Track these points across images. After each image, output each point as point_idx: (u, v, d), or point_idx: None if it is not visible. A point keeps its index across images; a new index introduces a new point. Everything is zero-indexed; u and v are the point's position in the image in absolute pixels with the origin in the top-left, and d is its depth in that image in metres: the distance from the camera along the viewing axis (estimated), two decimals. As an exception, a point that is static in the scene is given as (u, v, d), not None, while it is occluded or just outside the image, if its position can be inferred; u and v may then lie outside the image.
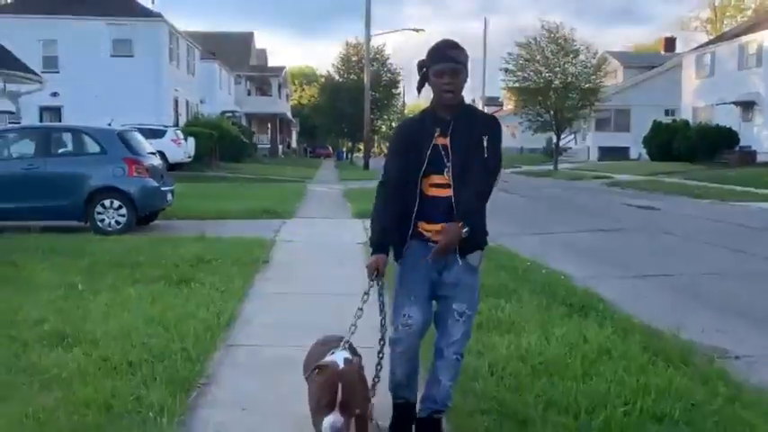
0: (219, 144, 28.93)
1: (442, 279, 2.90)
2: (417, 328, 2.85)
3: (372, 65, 39.84)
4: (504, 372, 3.90)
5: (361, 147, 44.76)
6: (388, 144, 3.31)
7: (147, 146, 11.03)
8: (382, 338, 2.94)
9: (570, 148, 43.75)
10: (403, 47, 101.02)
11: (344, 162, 51.25)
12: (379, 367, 2.92)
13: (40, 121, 26.28)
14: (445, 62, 2.82)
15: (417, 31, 38.79)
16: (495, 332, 4.67)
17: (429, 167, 2.84)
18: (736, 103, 31.56)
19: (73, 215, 9.87)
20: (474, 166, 2.84)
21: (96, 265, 6.88)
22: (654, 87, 40.66)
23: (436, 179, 2.86)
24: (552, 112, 33.51)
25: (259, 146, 44.80)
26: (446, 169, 2.84)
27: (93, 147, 10.20)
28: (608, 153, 40.32)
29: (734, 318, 5.77)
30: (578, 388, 3.61)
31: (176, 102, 32.05)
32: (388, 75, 47.16)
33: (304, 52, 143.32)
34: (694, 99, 36.10)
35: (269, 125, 53.50)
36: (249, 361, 4.18)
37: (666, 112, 38.30)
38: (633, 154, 39.30)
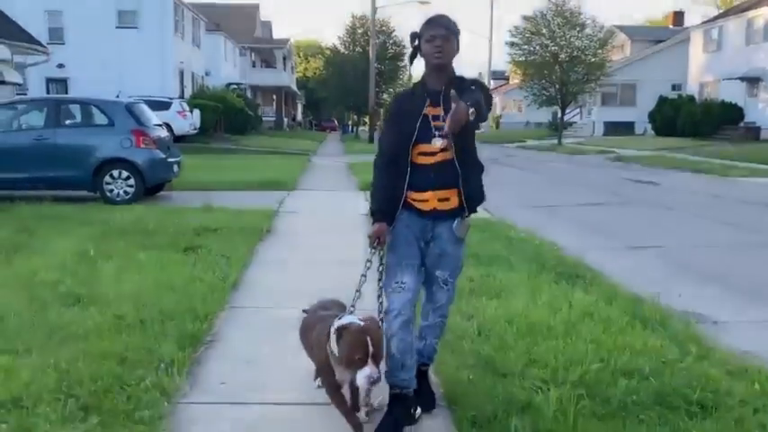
0: (224, 116, 29.09)
1: (429, 249, 3.03)
2: (410, 293, 2.93)
3: (378, 37, 39.73)
4: (490, 332, 4.17)
5: (367, 120, 44.78)
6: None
7: (154, 118, 11.25)
8: (381, 305, 2.99)
9: (575, 122, 43.72)
10: (409, 19, 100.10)
11: (350, 135, 51.31)
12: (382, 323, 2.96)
13: (47, 92, 26.50)
14: (438, 27, 2.96)
15: (423, 3, 38.52)
16: (485, 297, 4.93)
17: (418, 137, 2.94)
18: (742, 79, 31.41)
19: (83, 185, 10.15)
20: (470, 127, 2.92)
21: (107, 233, 7.17)
22: (661, 62, 40.37)
23: (423, 148, 2.95)
24: (557, 87, 33.46)
25: (264, 118, 44.88)
26: (434, 138, 2.93)
27: (101, 118, 10.43)
28: (613, 128, 40.24)
29: (716, 286, 6.01)
30: (558, 347, 3.88)
31: (182, 74, 32.11)
32: (394, 47, 46.96)
33: (309, 24, 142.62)
34: (701, 74, 35.91)
35: (274, 98, 53.46)
36: (252, 321, 4.46)
37: (673, 87, 38.13)
38: (638, 129, 39.22)
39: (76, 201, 9.80)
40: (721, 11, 42.97)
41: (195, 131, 24.59)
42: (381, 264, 3.00)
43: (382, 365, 2.79)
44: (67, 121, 10.65)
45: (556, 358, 3.69)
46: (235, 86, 40.08)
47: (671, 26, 49.27)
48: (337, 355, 2.68)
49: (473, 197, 3.03)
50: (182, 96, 28.76)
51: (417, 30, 3.04)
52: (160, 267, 5.56)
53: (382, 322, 2.92)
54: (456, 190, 2.98)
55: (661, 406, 3.19)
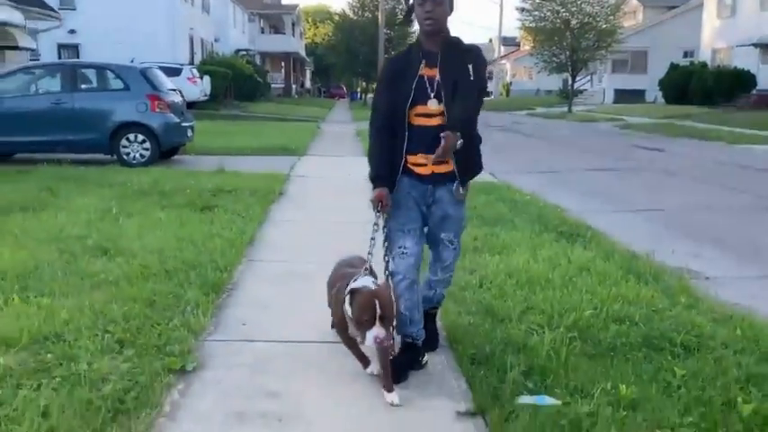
0: (234, 83, 29.17)
1: (431, 212, 3.12)
2: (413, 258, 3.07)
3: (387, 2, 39.38)
4: (491, 284, 4.43)
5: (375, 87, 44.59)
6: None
7: (168, 83, 11.46)
8: (387, 266, 3.08)
9: (586, 90, 43.41)
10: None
11: (358, 102, 51.19)
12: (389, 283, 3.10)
13: (59, 58, 26.62)
14: None
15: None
16: (487, 254, 5.19)
17: (414, 98, 2.97)
18: (755, 45, 31.03)
19: (100, 148, 10.43)
20: (464, 91, 2.97)
21: (126, 193, 7.46)
22: (673, 28, 39.94)
23: (420, 109, 2.98)
24: (568, 53, 33.24)
25: (273, 85, 44.83)
26: (429, 99, 2.97)
27: (117, 83, 10.66)
28: (624, 95, 40.05)
29: (712, 245, 6.24)
30: (555, 297, 4.14)
31: (191, 40, 32.12)
32: (403, 13, 46.57)
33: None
34: (714, 40, 35.47)
35: (282, 64, 53.29)
36: (267, 272, 4.75)
37: (685, 54, 37.78)
38: (649, 97, 39.00)
39: (94, 163, 10.10)
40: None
41: (206, 98, 24.74)
42: (386, 226, 3.10)
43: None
44: (84, 86, 10.88)
45: (552, 306, 3.95)
46: (244, 53, 40.05)
47: (685, -9, 48.42)
48: (350, 315, 2.88)
49: (469, 167, 3.11)
50: (191, 63, 28.83)
51: None
52: (179, 225, 5.85)
53: (387, 278, 3.04)
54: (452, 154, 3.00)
55: (647, 347, 3.46)
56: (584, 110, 34.61)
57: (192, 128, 11.54)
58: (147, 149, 10.41)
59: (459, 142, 2.91)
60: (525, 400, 2.86)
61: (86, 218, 6.02)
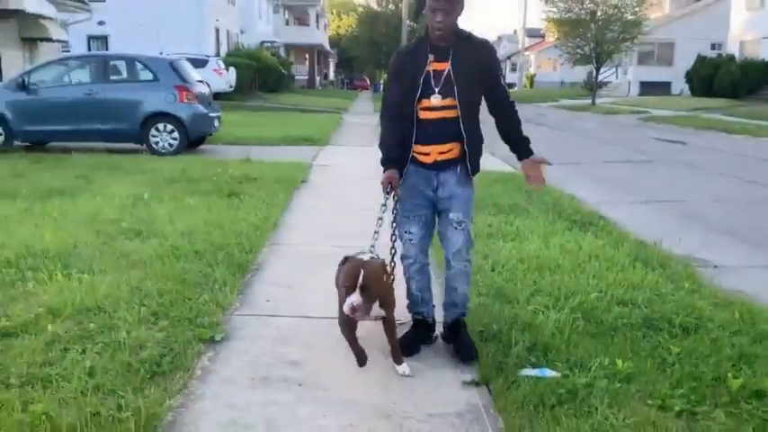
0: (259, 74, 29.55)
1: (438, 195, 3.22)
2: (418, 242, 3.25)
3: (411, -5, 39.35)
4: (503, 269, 4.64)
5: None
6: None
7: (195, 74, 11.79)
8: (393, 247, 3.25)
9: (610, 82, 43.04)
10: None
11: (380, 94, 51.33)
12: (392, 264, 3.18)
13: (88, 49, 27.22)
14: (439, 0, 3.01)
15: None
16: (501, 240, 5.40)
17: (422, 92, 3.09)
18: (785, 38, 30.65)
19: (130, 137, 10.81)
20: (496, 96, 3.21)
21: (156, 180, 7.79)
22: (701, 20, 39.36)
23: (426, 103, 3.11)
24: (592, 45, 33.04)
25: (297, 77, 45.19)
26: (433, 94, 3.09)
27: (146, 74, 11.01)
28: (649, 88, 39.63)
29: (724, 236, 6.36)
30: (563, 281, 4.34)
31: (217, 32, 32.51)
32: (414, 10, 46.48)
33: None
34: (742, 32, 34.94)
35: (306, 56, 53.60)
36: (291, 255, 5.01)
37: (713, 47, 37.28)
38: (675, 89, 38.58)
39: (126, 152, 10.47)
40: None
41: (231, 89, 25.13)
42: (395, 208, 3.24)
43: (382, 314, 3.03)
44: (115, 77, 11.25)
45: (559, 289, 4.16)
46: (269, 44, 40.40)
47: (714, -18, 47.63)
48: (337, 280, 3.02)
49: (475, 151, 3.22)
50: (217, 54, 29.24)
51: None
52: (207, 210, 6.15)
53: (393, 257, 3.20)
54: (458, 143, 3.16)
55: (647, 328, 3.65)
56: (609, 102, 34.37)
57: (218, 118, 11.87)
58: (175, 139, 10.76)
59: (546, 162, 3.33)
60: (527, 372, 3.08)
61: (120, 203, 6.35)
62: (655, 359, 3.23)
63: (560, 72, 54.87)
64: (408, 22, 36.83)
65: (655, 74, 40.56)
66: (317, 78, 54.79)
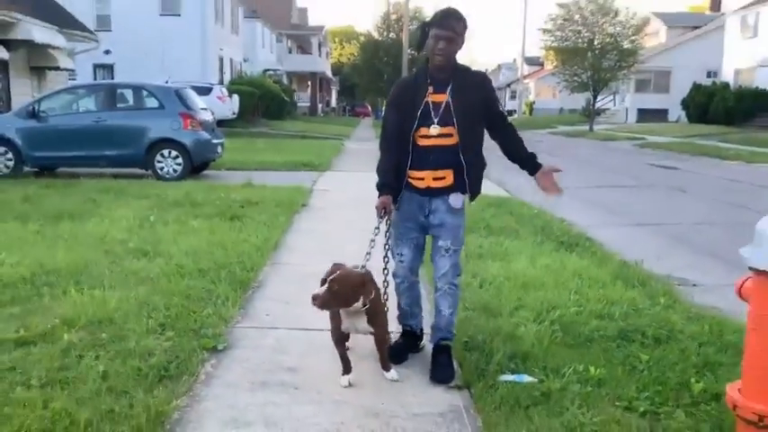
0: (261, 102, 30.11)
1: (429, 221, 3.40)
2: (408, 263, 3.46)
3: (411, 24, 40.14)
4: (490, 286, 4.90)
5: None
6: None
7: (200, 102, 12.18)
8: (386, 268, 3.49)
9: (608, 109, 43.66)
10: (442, 5, 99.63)
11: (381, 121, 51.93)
12: (385, 284, 3.47)
13: (94, 78, 27.80)
14: (443, 29, 3.19)
15: (457, -10, 38.85)
16: (490, 260, 5.67)
17: (420, 121, 3.26)
18: (778, 66, 31.21)
19: (136, 163, 11.17)
20: (497, 124, 3.41)
21: (161, 204, 8.09)
22: (697, 48, 40.10)
23: (423, 131, 3.29)
24: (590, 73, 33.64)
25: (299, 104, 45.88)
26: (432, 124, 3.26)
27: (152, 102, 11.40)
28: (646, 115, 40.20)
29: (707, 258, 6.62)
30: (546, 296, 4.60)
31: (221, 60, 33.18)
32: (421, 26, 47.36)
33: (345, 11, 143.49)
34: (737, 60, 35.59)
35: (309, 83, 54.42)
36: (291, 274, 5.28)
37: (708, 74, 37.89)
38: (672, 116, 39.11)
39: (131, 177, 10.80)
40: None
41: (234, 116, 25.62)
42: (388, 231, 3.46)
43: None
44: (122, 105, 11.64)
45: (541, 304, 4.41)
46: (271, 72, 41.11)
47: (708, 12, 48.62)
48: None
49: (469, 181, 3.37)
50: (221, 82, 29.83)
51: (428, 21, 3.33)
52: (211, 231, 6.44)
53: (386, 276, 3.47)
54: (451, 170, 3.32)
55: (621, 339, 3.90)
56: (606, 129, 34.90)
57: (221, 145, 12.23)
58: (179, 164, 11.10)
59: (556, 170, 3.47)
60: (506, 377, 3.33)
61: (127, 225, 6.64)
62: (625, 366, 3.47)
63: (559, 99, 55.54)
64: (409, 50, 37.53)
65: (652, 101, 41.17)
66: (320, 105, 55.53)
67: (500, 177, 10.36)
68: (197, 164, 11.56)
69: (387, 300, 3.55)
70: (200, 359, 3.41)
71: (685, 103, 34.57)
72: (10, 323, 3.75)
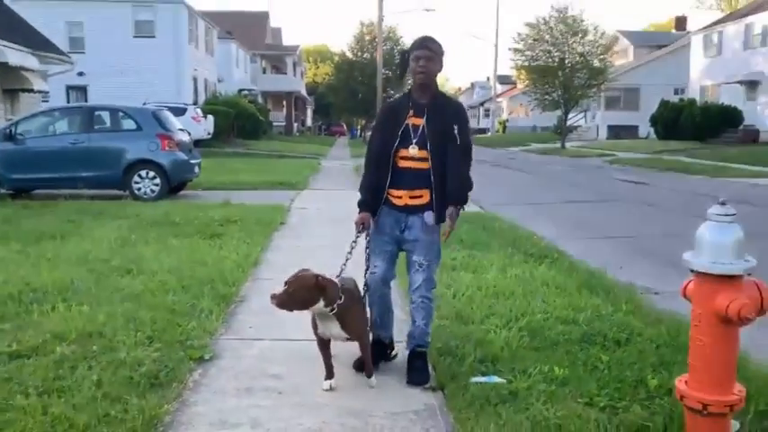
0: (237, 121, 30.27)
1: (404, 236, 3.59)
2: (380, 275, 3.60)
3: (385, 44, 40.81)
4: (463, 296, 5.15)
5: (374, 124, 45.74)
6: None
7: (177, 123, 12.35)
8: (366, 280, 3.62)
9: (580, 126, 44.58)
10: (415, 27, 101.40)
11: (357, 139, 52.39)
12: (365, 290, 3.63)
13: (67, 100, 27.76)
14: (422, 50, 3.47)
15: (428, 10, 39.66)
16: (463, 272, 5.92)
17: (400, 142, 3.49)
18: (741, 83, 32.24)
19: (114, 184, 11.29)
20: (451, 150, 3.49)
21: (140, 224, 8.23)
22: (664, 66, 41.26)
23: (403, 152, 3.51)
24: (560, 91, 34.42)
25: (274, 123, 46.07)
26: (411, 145, 3.48)
27: (129, 124, 11.56)
28: (617, 131, 41.13)
29: (670, 268, 6.91)
30: (515, 304, 4.86)
31: (195, 81, 33.34)
32: (401, 54, 48.04)
33: (319, 31, 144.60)
34: (702, 78, 36.72)
35: (284, 103, 54.68)
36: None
37: (676, 91, 38.96)
38: (642, 132, 40.06)
39: (109, 198, 10.89)
40: (723, 15, 43.74)
41: (209, 136, 25.74)
42: (368, 247, 3.64)
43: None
44: (100, 126, 11.76)
45: (511, 311, 4.67)
46: (246, 92, 41.32)
47: (673, 31, 50.09)
48: None
49: (444, 199, 3.52)
50: (195, 102, 29.96)
51: (408, 48, 3.68)
52: (191, 249, 6.60)
53: (367, 288, 3.63)
54: (428, 190, 3.52)
55: (585, 342, 4.16)
56: (577, 146, 35.66)
57: (198, 165, 12.39)
58: (157, 185, 11.24)
59: (459, 209, 3.58)
60: (477, 379, 3.57)
61: (108, 245, 6.78)
62: (587, 366, 3.73)
63: (532, 117, 56.48)
64: (384, 70, 38.05)
65: (622, 118, 42.15)
66: (295, 125, 55.77)
67: (474, 195, 10.67)
68: (174, 184, 11.71)
69: (364, 307, 3.67)
70: (187, 368, 3.59)
71: (654, 120, 35.47)
72: (2, 338, 3.89)
